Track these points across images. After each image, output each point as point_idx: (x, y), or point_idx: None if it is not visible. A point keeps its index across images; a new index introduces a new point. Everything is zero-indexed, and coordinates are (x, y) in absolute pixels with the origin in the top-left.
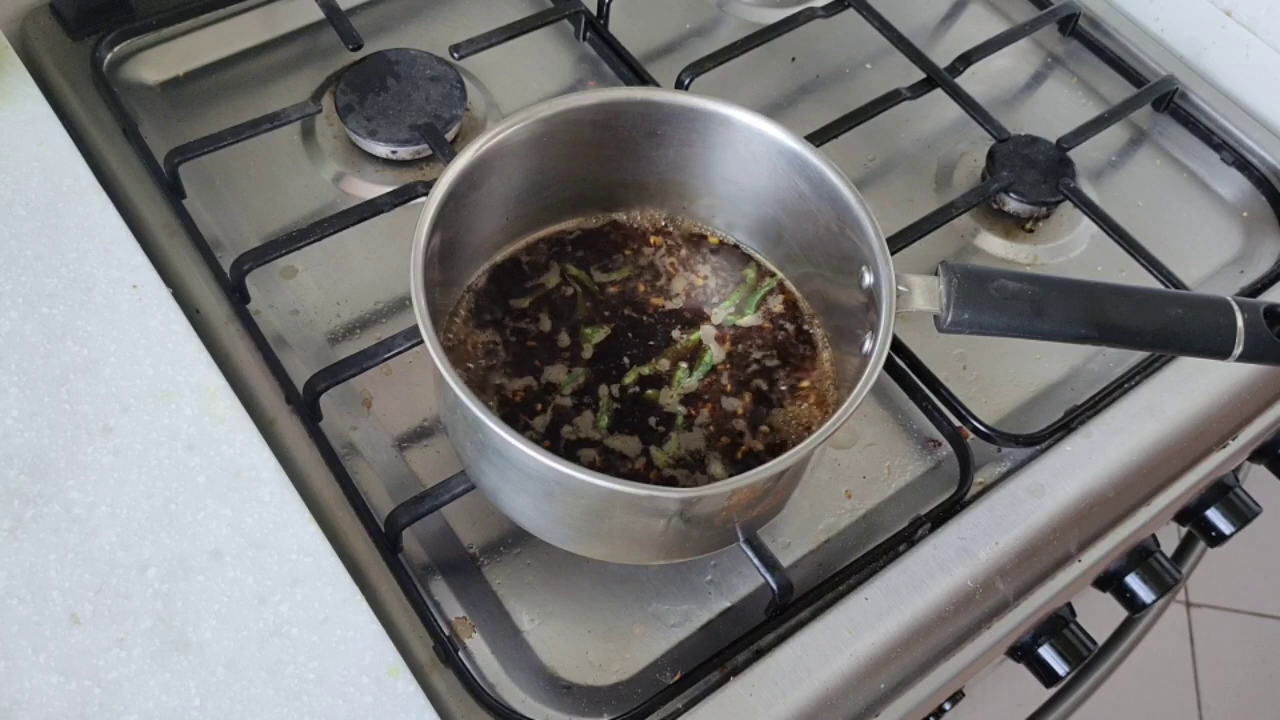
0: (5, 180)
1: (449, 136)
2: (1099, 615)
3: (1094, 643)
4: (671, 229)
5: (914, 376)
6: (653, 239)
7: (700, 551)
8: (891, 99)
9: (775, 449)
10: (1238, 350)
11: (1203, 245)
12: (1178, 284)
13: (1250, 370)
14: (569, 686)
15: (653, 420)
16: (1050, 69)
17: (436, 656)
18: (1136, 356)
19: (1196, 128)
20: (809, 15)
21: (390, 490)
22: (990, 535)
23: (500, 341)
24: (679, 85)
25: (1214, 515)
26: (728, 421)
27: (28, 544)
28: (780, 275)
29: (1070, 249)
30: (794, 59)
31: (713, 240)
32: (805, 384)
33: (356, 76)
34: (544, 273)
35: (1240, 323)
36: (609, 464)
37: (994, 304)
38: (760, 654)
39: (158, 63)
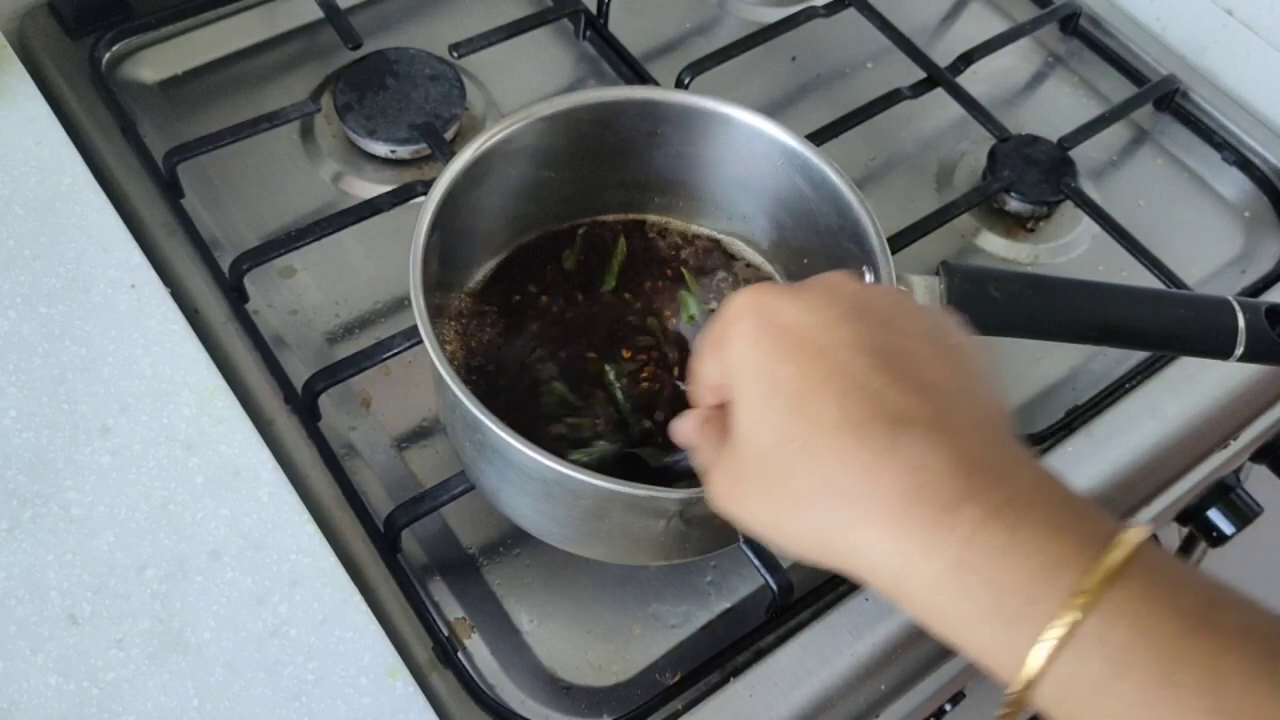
0: (3, 180)
1: (448, 136)
2: None
3: None
4: (671, 228)
5: None
6: (653, 238)
7: (700, 552)
8: (892, 98)
9: None
10: (1239, 350)
11: (1204, 245)
12: (1179, 284)
13: (1252, 370)
14: (568, 687)
15: (656, 418)
16: (1051, 68)
17: (435, 657)
18: (1138, 356)
19: (1198, 127)
20: (809, 14)
21: (389, 491)
22: None
23: (500, 341)
24: (679, 84)
25: (1215, 516)
26: None
27: (26, 544)
28: (780, 275)
29: (1071, 249)
30: (794, 58)
31: (713, 239)
32: None
33: (355, 75)
34: (543, 272)
35: (1241, 323)
36: (608, 463)
37: (995, 304)
38: (760, 655)
39: (156, 62)
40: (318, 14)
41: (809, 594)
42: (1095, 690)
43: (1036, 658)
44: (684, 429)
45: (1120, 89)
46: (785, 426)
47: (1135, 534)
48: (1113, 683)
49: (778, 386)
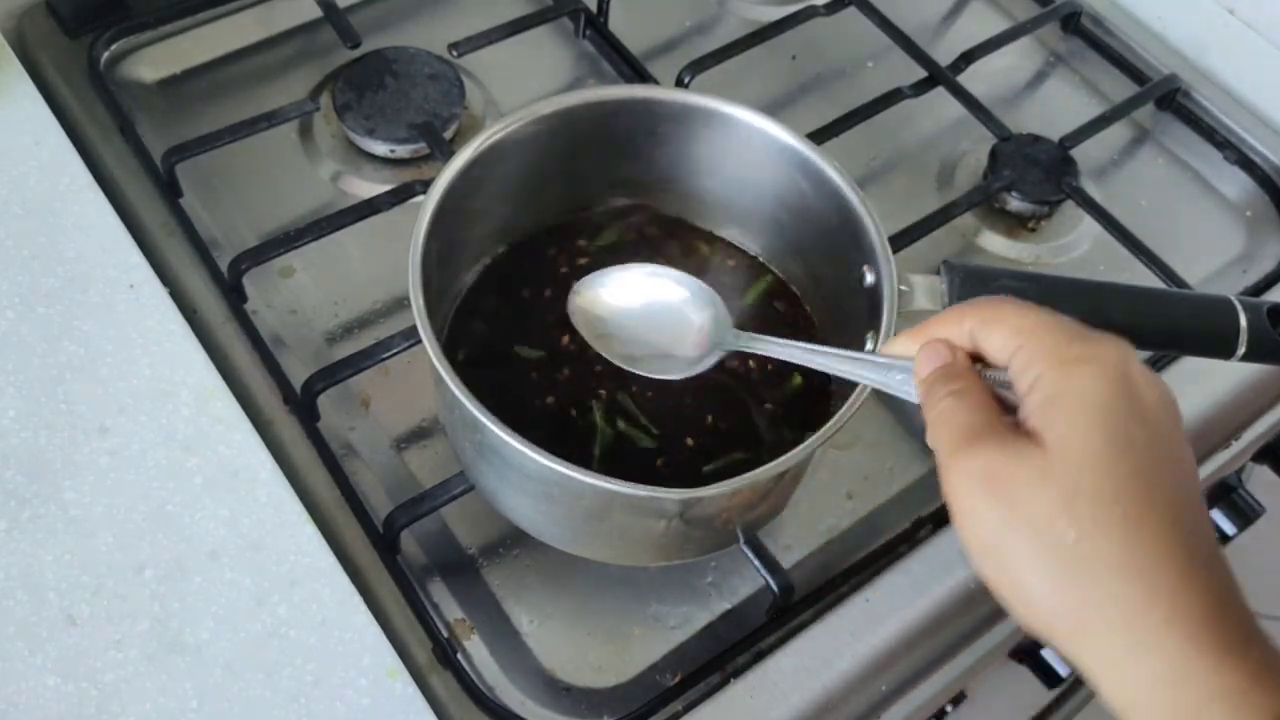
0: (2, 179)
1: (447, 135)
2: None
3: None
4: (671, 228)
5: None
6: (652, 238)
7: (700, 553)
8: (893, 97)
9: (776, 449)
10: (1241, 350)
11: (1206, 244)
12: (1180, 283)
13: (1253, 370)
14: (568, 688)
15: (652, 417)
16: (1052, 67)
17: (435, 658)
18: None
19: (1199, 126)
20: (810, 13)
21: (389, 491)
22: None
23: (499, 341)
24: (679, 83)
25: (1217, 516)
26: (729, 420)
27: (24, 545)
28: (780, 274)
29: (1073, 248)
30: (795, 57)
31: (712, 239)
32: (805, 383)
33: (354, 75)
34: (543, 271)
35: (1243, 322)
36: (607, 462)
37: None
38: (761, 656)
39: (155, 61)
40: (316, 13)
41: (810, 595)
42: None
43: None
44: (921, 372)
45: (1121, 88)
46: (1032, 612)
47: None
48: None
49: (1016, 588)
